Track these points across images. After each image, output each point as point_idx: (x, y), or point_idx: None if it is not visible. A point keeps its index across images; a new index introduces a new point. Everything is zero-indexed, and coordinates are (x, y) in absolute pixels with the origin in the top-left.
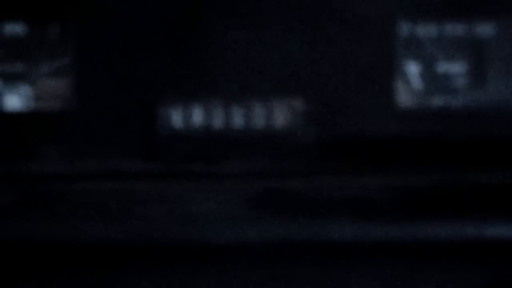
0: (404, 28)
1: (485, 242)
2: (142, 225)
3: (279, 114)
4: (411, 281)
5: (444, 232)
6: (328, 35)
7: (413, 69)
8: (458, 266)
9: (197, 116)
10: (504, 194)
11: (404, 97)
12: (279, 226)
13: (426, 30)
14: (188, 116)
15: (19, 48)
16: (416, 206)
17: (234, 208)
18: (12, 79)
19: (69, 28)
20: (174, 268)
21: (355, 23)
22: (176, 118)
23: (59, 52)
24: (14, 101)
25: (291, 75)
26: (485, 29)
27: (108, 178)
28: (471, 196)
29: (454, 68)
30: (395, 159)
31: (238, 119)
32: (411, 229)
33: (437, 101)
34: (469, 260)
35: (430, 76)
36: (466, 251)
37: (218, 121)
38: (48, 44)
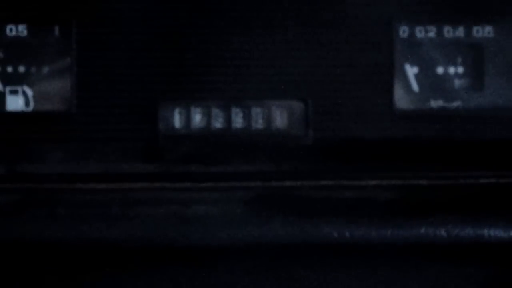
0: (404, 31)
1: (485, 242)
2: (142, 225)
3: (278, 116)
4: (411, 280)
5: (444, 232)
6: (327, 39)
7: (412, 71)
8: (458, 266)
9: (197, 118)
10: (503, 194)
11: (402, 99)
12: (279, 226)
13: (425, 33)
14: (188, 118)
15: (20, 49)
16: (416, 206)
17: (233, 208)
18: (13, 80)
19: (70, 30)
20: (174, 268)
21: (354, 27)
22: (176, 119)
23: (60, 53)
24: (15, 102)
25: (290, 78)
26: (484, 32)
27: (108, 178)
28: (470, 196)
29: (453, 71)
30: (393, 160)
31: (237, 121)
32: (411, 229)
33: (436, 103)
34: (468, 260)
35: (429, 79)
36: (465, 251)
37: (217, 123)
38: (49, 46)
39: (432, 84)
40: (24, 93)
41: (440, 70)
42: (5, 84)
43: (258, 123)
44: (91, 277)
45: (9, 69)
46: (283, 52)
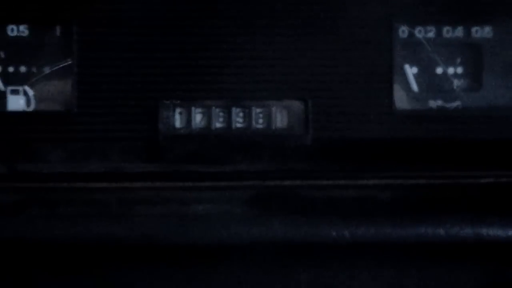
0: (403, 31)
1: (484, 241)
2: (142, 224)
3: (278, 116)
4: (410, 280)
5: (443, 232)
6: (327, 39)
7: (411, 71)
8: (457, 265)
9: (198, 118)
10: (502, 194)
11: (402, 99)
12: (279, 226)
13: (424, 33)
14: (188, 118)
15: (21, 50)
16: (415, 206)
17: (234, 208)
18: (14, 80)
19: (71, 30)
20: (174, 266)
21: (354, 27)
22: (177, 119)
23: (61, 54)
24: (16, 102)
25: (290, 78)
26: (483, 33)
27: (109, 178)
28: (469, 196)
29: (452, 71)
30: (393, 160)
31: (238, 121)
32: (410, 228)
33: (435, 103)
34: (468, 259)
35: (428, 79)
36: (465, 251)
37: (218, 123)
38: (50, 46)
39: (432, 84)
40: (25, 93)
41: (439, 70)
42: (6, 84)
43: (258, 123)
44: (91, 276)
45: (10, 69)
46: (283, 52)
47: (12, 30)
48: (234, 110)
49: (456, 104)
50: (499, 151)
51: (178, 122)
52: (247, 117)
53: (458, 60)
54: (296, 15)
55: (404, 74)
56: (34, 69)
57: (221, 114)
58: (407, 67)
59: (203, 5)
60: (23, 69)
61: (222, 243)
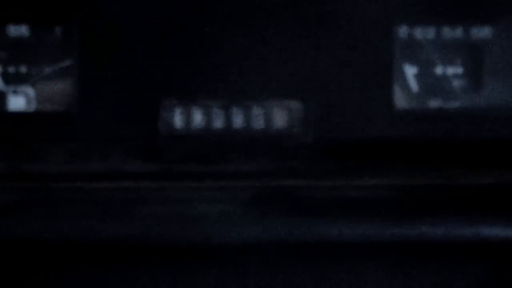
0: (403, 32)
1: (484, 241)
2: (142, 224)
3: (278, 116)
4: (410, 280)
5: (443, 232)
6: (327, 39)
7: (411, 72)
8: (457, 265)
9: (198, 118)
10: (502, 194)
11: (401, 100)
12: (279, 226)
13: (424, 34)
14: (188, 118)
15: (22, 50)
16: (415, 206)
17: (233, 208)
18: (15, 81)
19: (72, 30)
20: (174, 266)
21: (354, 27)
22: (177, 119)
23: (62, 54)
24: (17, 102)
25: (290, 78)
26: (482, 33)
27: (109, 178)
28: (469, 196)
29: (452, 71)
30: (393, 160)
31: (237, 121)
32: (410, 228)
33: (435, 103)
34: (468, 260)
35: (427, 79)
36: (465, 251)
37: (217, 123)
38: (51, 46)
39: (431, 84)
40: (26, 93)
41: (439, 70)
42: (7, 84)
43: (258, 123)
44: (91, 276)
45: (11, 69)
46: (283, 52)
47: (13, 30)
48: (234, 110)
49: (455, 104)
50: (499, 151)
51: (178, 122)
52: (247, 117)
53: (458, 60)
54: (296, 15)
55: (403, 74)
56: (34, 69)
57: (220, 114)
58: (406, 67)
59: (203, 5)
60: (23, 69)
61: (222, 243)
